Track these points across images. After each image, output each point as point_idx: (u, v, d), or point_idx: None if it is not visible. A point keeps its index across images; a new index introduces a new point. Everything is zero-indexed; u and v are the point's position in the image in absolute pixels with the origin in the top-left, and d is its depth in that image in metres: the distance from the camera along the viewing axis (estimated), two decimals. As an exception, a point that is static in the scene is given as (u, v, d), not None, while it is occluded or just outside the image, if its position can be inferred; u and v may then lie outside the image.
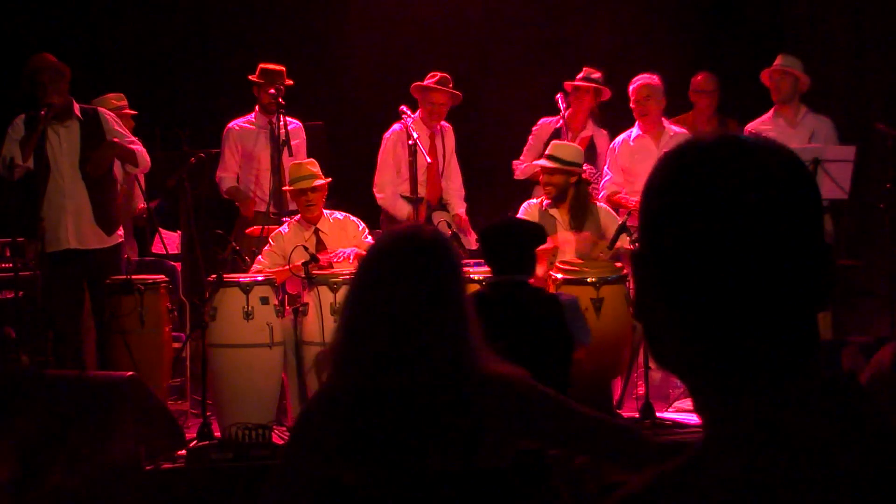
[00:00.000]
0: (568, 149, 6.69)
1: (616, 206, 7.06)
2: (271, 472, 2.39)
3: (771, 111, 7.33)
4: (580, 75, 7.52)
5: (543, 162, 6.58)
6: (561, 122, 7.41)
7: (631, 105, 7.20)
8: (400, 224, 7.16)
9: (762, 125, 7.22)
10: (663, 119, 7.23)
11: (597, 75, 7.52)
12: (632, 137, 7.16)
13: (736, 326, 1.15)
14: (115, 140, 6.51)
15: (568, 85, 7.50)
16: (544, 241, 4.86)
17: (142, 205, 7.43)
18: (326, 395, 2.43)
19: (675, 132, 7.15)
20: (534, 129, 7.59)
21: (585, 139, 7.39)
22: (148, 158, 6.76)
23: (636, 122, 7.22)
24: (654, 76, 7.15)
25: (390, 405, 2.32)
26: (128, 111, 7.59)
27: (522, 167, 7.55)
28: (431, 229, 2.51)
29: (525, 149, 7.58)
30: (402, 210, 7.18)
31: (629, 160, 7.11)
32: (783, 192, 1.16)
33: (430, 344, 2.33)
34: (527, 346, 3.80)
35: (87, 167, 6.39)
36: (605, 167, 7.26)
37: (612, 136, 7.49)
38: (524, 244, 4.61)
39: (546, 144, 7.11)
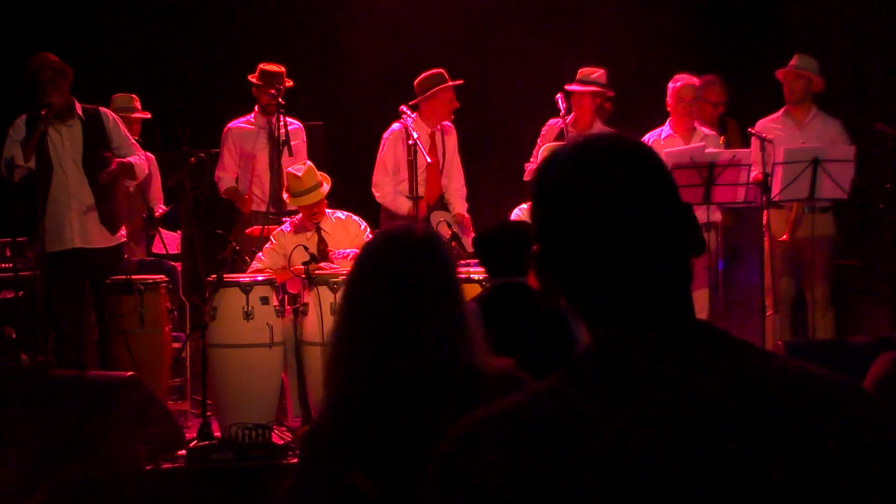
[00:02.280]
0: None
1: None
2: (288, 491, 2.40)
3: (782, 109, 7.33)
4: (578, 76, 7.52)
5: None
6: (563, 124, 7.42)
7: (669, 103, 7.18)
8: (398, 221, 7.17)
9: (770, 123, 7.22)
10: (695, 121, 7.25)
11: (596, 74, 7.51)
12: (662, 136, 7.15)
13: (604, 275, 1.35)
14: (117, 161, 6.48)
15: (567, 87, 7.50)
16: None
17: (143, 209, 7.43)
18: (329, 405, 2.43)
19: (706, 133, 7.16)
20: (542, 130, 7.60)
21: None
22: (146, 168, 6.75)
23: (667, 121, 7.21)
24: (695, 77, 7.18)
25: (390, 405, 2.33)
26: (138, 115, 7.59)
27: (531, 168, 7.56)
28: (424, 227, 2.52)
29: (535, 151, 7.59)
30: (403, 206, 7.17)
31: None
32: (627, 167, 1.36)
33: (427, 341, 2.33)
34: (532, 347, 3.81)
35: (99, 178, 6.38)
36: None
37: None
38: (518, 245, 4.62)
39: None
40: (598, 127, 7.55)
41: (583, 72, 7.54)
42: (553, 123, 7.57)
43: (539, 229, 1.41)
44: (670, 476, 1.23)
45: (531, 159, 7.61)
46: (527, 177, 7.61)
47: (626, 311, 1.34)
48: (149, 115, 7.71)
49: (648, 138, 7.18)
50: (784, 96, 7.29)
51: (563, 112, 7.38)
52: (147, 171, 6.78)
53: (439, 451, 1.35)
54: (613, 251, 1.34)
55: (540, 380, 1.38)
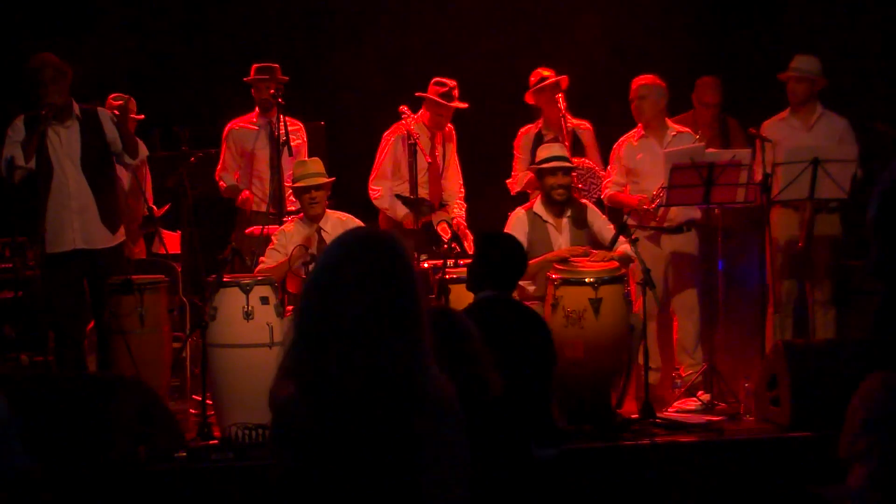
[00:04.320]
0: (563, 148, 6.73)
1: (619, 205, 7.05)
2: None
3: (787, 110, 7.32)
4: (532, 80, 7.50)
5: (556, 164, 6.56)
6: (538, 127, 7.45)
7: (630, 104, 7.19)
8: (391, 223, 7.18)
9: (777, 123, 7.20)
10: (666, 119, 7.21)
11: (547, 73, 7.50)
12: (636, 138, 7.15)
13: None
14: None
15: (528, 97, 7.49)
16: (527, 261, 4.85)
17: (143, 209, 7.43)
18: (286, 397, 2.47)
19: (678, 131, 7.14)
20: (515, 142, 7.57)
21: (568, 135, 7.35)
22: (144, 147, 6.73)
23: (638, 123, 7.20)
24: (653, 76, 7.12)
25: (338, 408, 2.39)
26: (133, 116, 7.59)
27: (517, 179, 7.54)
28: (387, 233, 2.55)
29: (514, 163, 7.57)
30: (400, 211, 7.17)
31: (633, 160, 7.10)
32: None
33: (379, 350, 2.39)
34: (511, 360, 3.85)
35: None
36: (609, 167, 7.24)
37: (594, 124, 7.50)
38: (516, 262, 4.63)
39: (533, 153, 7.14)
40: (569, 122, 7.45)
41: (536, 74, 7.52)
42: (524, 131, 7.56)
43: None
44: None
45: (512, 174, 7.58)
46: (514, 192, 7.58)
47: None
48: (143, 117, 7.70)
49: (621, 141, 7.18)
50: (788, 98, 7.28)
51: (538, 120, 7.42)
52: (146, 150, 6.75)
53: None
54: None
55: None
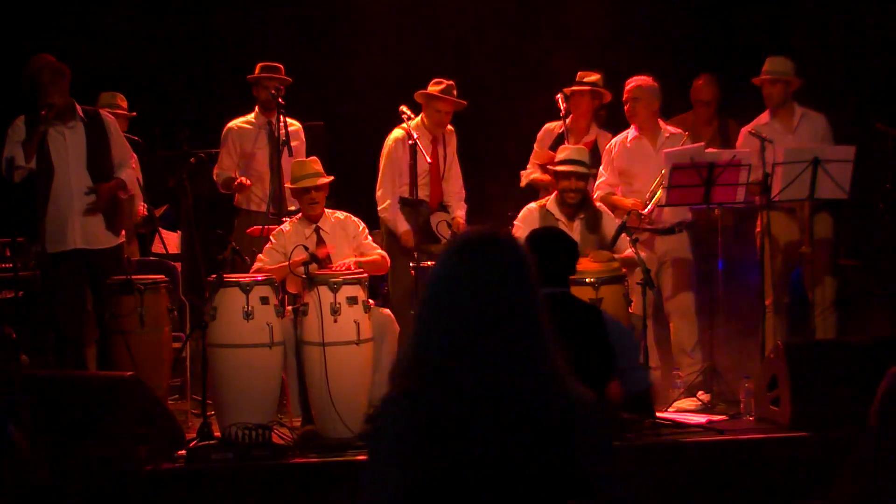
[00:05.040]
0: (583, 152, 6.72)
1: (612, 207, 7.05)
2: (362, 479, 2.30)
3: (766, 112, 7.31)
4: (577, 79, 7.52)
5: (569, 167, 6.57)
6: (563, 127, 7.41)
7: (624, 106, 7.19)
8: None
9: (759, 127, 7.18)
10: (660, 120, 7.21)
11: (593, 78, 7.50)
12: (629, 139, 7.15)
13: None
14: (107, 186, 6.49)
15: (566, 89, 7.49)
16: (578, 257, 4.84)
17: (142, 209, 7.42)
18: (403, 400, 2.27)
19: (671, 133, 7.14)
20: (538, 135, 7.59)
21: (589, 143, 7.36)
22: (135, 182, 6.75)
23: (632, 124, 7.20)
24: (647, 77, 7.11)
25: (473, 413, 2.21)
26: (122, 112, 7.57)
27: (532, 176, 7.54)
28: (506, 233, 2.40)
29: (531, 156, 7.57)
30: (401, 226, 7.16)
31: (626, 161, 7.10)
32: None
33: (529, 350, 2.25)
34: (572, 358, 3.83)
35: (93, 203, 6.40)
36: (601, 168, 7.24)
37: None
38: (571, 258, 4.61)
39: (553, 149, 7.13)
40: (595, 131, 7.55)
41: (581, 74, 7.53)
42: (549, 127, 7.56)
43: None
44: None
45: (527, 166, 7.59)
46: (523, 183, 7.59)
47: None
48: (134, 114, 7.70)
49: (614, 142, 7.18)
50: (764, 102, 7.26)
51: (562, 113, 7.37)
52: (136, 185, 6.77)
53: None
54: None
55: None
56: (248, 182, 7.24)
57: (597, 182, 7.21)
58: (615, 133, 7.38)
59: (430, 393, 2.23)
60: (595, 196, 7.12)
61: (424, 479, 2.20)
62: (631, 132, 7.16)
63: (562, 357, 2.30)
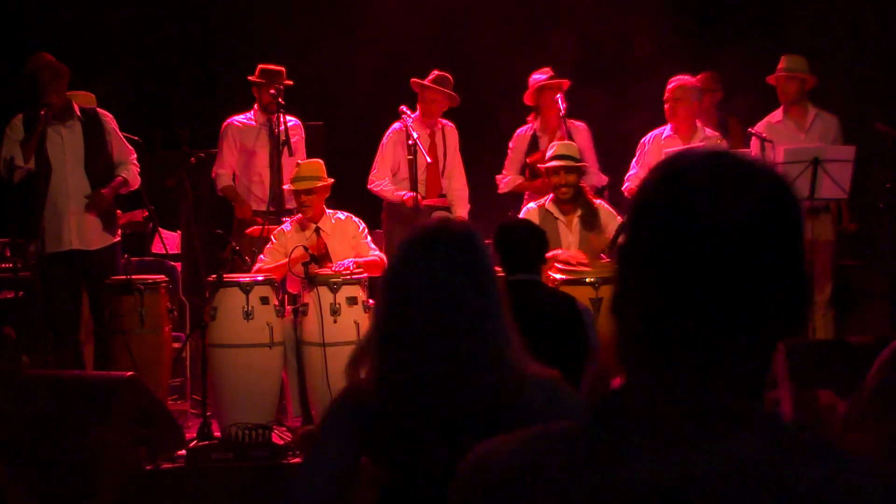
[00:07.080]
0: (571, 147, 6.71)
1: None
2: (304, 456, 2.43)
3: (779, 110, 7.31)
4: (537, 78, 7.47)
5: (556, 163, 6.56)
6: (533, 129, 7.43)
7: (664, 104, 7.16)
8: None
9: (771, 125, 7.19)
10: (698, 122, 7.20)
11: (547, 73, 7.49)
12: (663, 136, 7.13)
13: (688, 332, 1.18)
14: (108, 189, 6.49)
15: (527, 98, 7.46)
16: (548, 246, 4.87)
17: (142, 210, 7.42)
18: (358, 387, 2.40)
19: (708, 135, 7.13)
20: (511, 142, 7.56)
21: (563, 138, 7.34)
22: (137, 177, 6.72)
23: (669, 122, 7.18)
24: (689, 77, 7.12)
25: (426, 399, 2.30)
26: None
27: (506, 181, 7.51)
28: (463, 223, 2.47)
29: (506, 162, 7.55)
30: (397, 196, 7.16)
31: (656, 159, 7.06)
32: (765, 214, 1.18)
33: (472, 337, 2.30)
34: (544, 346, 3.81)
35: (89, 207, 6.38)
36: (633, 161, 7.23)
37: (590, 126, 7.47)
38: (538, 245, 4.63)
39: (527, 154, 7.14)
40: (564, 125, 7.44)
41: (540, 73, 7.49)
42: (520, 133, 7.54)
43: None
44: None
45: (503, 171, 7.56)
46: (501, 189, 7.55)
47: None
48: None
49: (648, 138, 7.17)
50: (778, 98, 7.27)
51: (532, 121, 7.38)
52: (138, 180, 6.75)
53: (460, 468, 1.31)
54: None
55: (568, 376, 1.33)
56: (249, 214, 7.24)
57: (627, 174, 7.21)
58: (615, 131, 7.36)
59: (384, 380, 2.33)
60: (625, 188, 7.13)
61: (376, 460, 2.36)
62: (666, 130, 7.14)
63: (520, 341, 2.36)
